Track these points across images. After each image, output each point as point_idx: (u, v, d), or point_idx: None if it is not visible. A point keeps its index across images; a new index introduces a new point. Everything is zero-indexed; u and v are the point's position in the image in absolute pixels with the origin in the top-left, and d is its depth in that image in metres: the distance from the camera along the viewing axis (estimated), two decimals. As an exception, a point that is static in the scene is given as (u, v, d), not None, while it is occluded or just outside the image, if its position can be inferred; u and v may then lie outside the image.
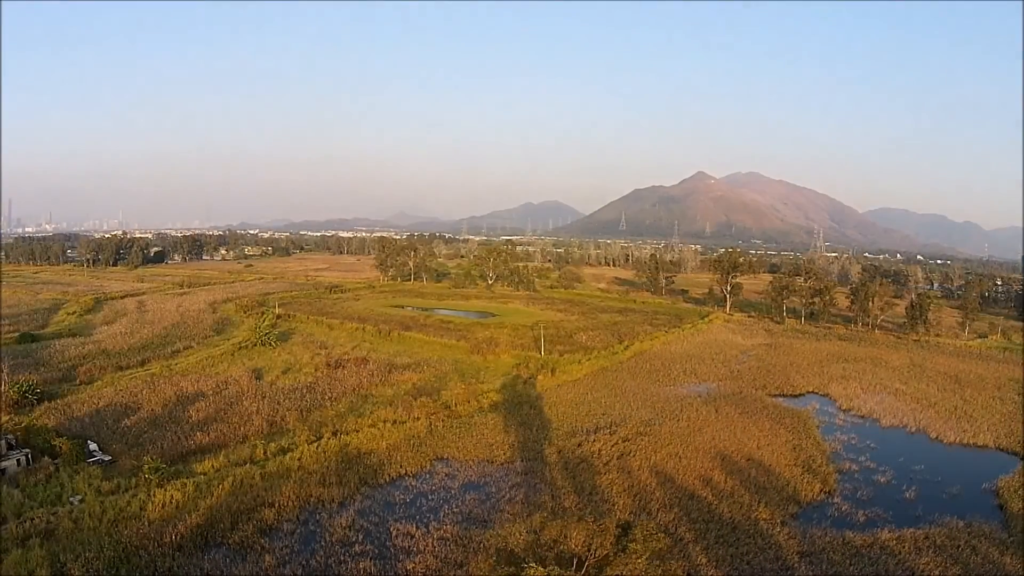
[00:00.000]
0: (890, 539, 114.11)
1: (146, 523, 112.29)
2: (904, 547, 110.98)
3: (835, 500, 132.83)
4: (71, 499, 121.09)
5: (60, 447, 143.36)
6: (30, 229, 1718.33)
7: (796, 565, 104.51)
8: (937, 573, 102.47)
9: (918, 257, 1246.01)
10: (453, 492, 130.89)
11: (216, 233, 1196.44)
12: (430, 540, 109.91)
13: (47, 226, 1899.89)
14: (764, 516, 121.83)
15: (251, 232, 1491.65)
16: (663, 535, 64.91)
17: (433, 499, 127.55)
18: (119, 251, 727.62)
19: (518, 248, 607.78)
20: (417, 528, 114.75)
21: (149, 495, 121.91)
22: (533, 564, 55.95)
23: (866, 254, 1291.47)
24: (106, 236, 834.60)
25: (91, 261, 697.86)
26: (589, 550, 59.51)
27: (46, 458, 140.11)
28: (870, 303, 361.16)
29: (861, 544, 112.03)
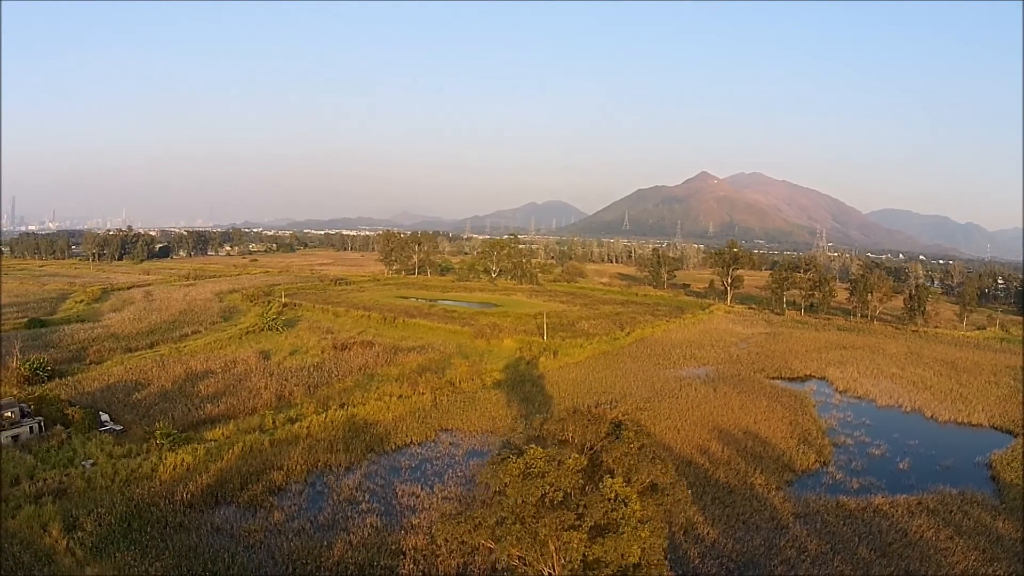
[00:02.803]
0: (883, 504, 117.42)
1: (158, 483, 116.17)
2: (897, 511, 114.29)
3: (830, 469, 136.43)
4: (83, 463, 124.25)
5: (72, 416, 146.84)
6: (33, 227, 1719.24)
7: (791, 525, 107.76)
8: (929, 534, 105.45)
9: (920, 257, 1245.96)
10: (457, 459, 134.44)
11: (220, 230, 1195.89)
12: (434, 499, 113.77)
13: (50, 224, 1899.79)
14: (760, 482, 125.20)
15: (255, 230, 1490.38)
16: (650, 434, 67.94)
17: (438, 464, 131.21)
18: (124, 246, 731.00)
19: (521, 246, 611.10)
20: (422, 489, 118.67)
21: (161, 458, 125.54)
22: (533, 445, 59.25)
23: (868, 254, 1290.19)
24: (110, 232, 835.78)
25: (96, 256, 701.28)
26: (584, 443, 63.10)
27: (58, 426, 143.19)
28: (869, 295, 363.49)
29: (855, 508, 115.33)
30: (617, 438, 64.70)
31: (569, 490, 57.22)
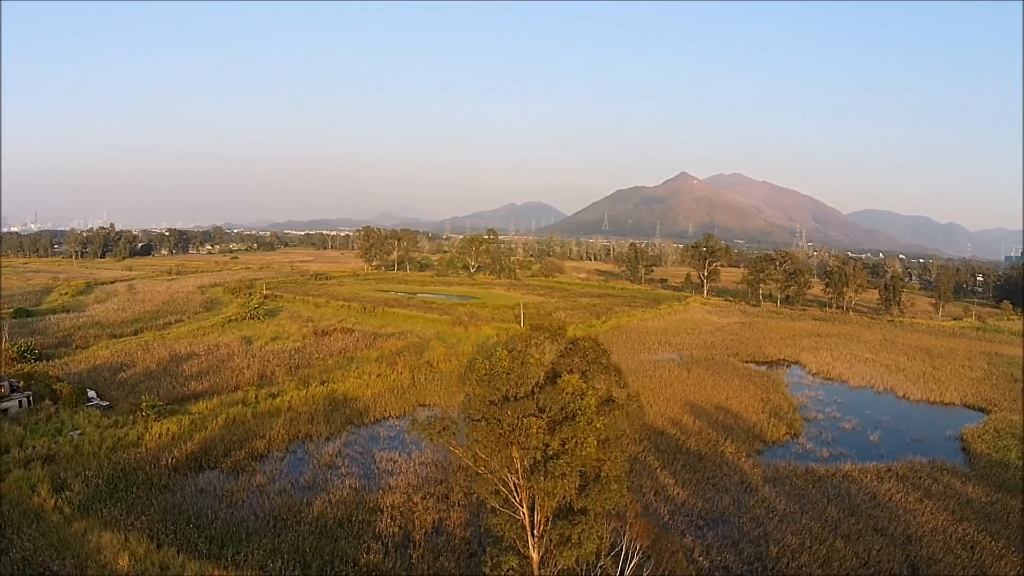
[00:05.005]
0: (852, 470, 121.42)
1: (144, 450, 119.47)
2: (866, 477, 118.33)
3: (800, 440, 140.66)
4: (72, 433, 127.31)
5: (60, 391, 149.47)
6: (15, 228, 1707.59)
7: (760, 487, 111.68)
8: (898, 497, 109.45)
9: (900, 256, 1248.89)
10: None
11: (201, 230, 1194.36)
12: (412, 464, 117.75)
13: (32, 225, 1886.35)
14: (730, 450, 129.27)
15: (236, 230, 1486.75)
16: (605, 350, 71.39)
17: (416, 435, 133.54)
18: (106, 244, 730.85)
19: (500, 246, 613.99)
20: (400, 455, 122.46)
21: (147, 428, 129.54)
22: (502, 351, 62.98)
23: (849, 253, 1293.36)
24: (92, 230, 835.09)
25: (79, 253, 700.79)
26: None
27: (47, 401, 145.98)
28: (845, 287, 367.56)
29: (824, 473, 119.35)
30: (573, 347, 68.49)
31: (532, 387, 60.94)
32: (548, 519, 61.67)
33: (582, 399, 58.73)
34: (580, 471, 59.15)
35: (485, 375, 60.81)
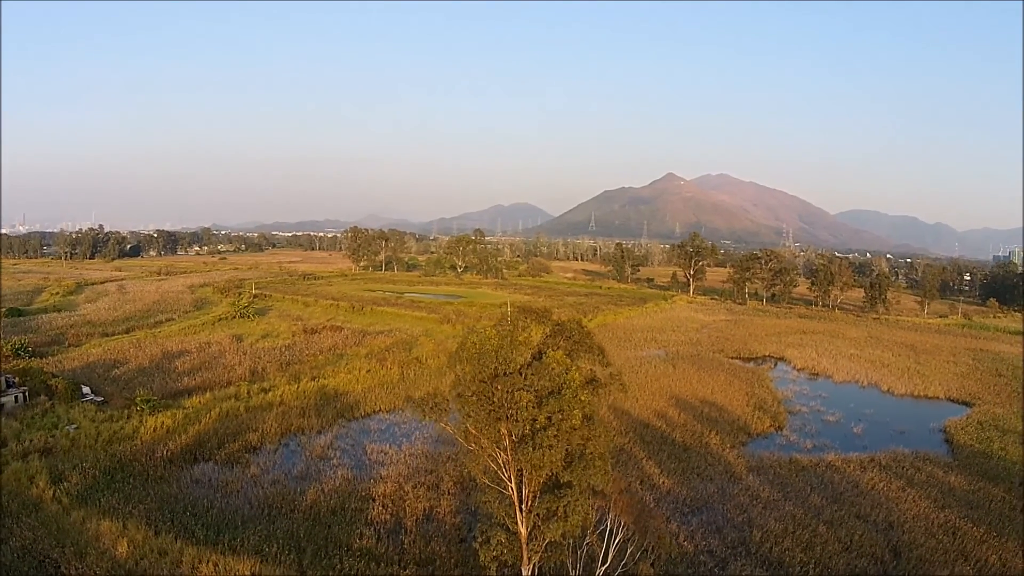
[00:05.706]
0: (836, 460, 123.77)
1: (139, 442, 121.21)
2: (849, 466, 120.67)
3: (784, 432, 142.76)
4: (68, 427, 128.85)
5: (55, 386, 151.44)
6: (4, 230, 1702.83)
7: (744, 476, 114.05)
8: (881, 485, 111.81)
9: (887, 256, 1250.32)
10: (424, 423, 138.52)
11: (190, 231, 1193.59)
12: (403, 455, 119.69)
13: (20, 227, 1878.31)
14: (715, 441, 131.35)
15: (223, 232, 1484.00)
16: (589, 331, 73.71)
17: (406, 428, 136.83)
18: (95, 245, 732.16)
19: (487, 246, 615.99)
20: (391, 447, 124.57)
21: (141, 421, 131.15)
22: (490, 330, 65.27)
23: (836, 253, 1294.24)
24: (82, 231, 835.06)
25: (68, 255, 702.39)
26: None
27: (42, 396, 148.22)
28: (830, 285, 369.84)
29: (807, 463, 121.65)
30: (560, 331, 70.74)
31: (520, 365, 63.22)
32: (535, 494, 63.97)
33: (567, 374, 61.07)
34: (566, 448, 61.55)
35: (475, 353, 63.01)
